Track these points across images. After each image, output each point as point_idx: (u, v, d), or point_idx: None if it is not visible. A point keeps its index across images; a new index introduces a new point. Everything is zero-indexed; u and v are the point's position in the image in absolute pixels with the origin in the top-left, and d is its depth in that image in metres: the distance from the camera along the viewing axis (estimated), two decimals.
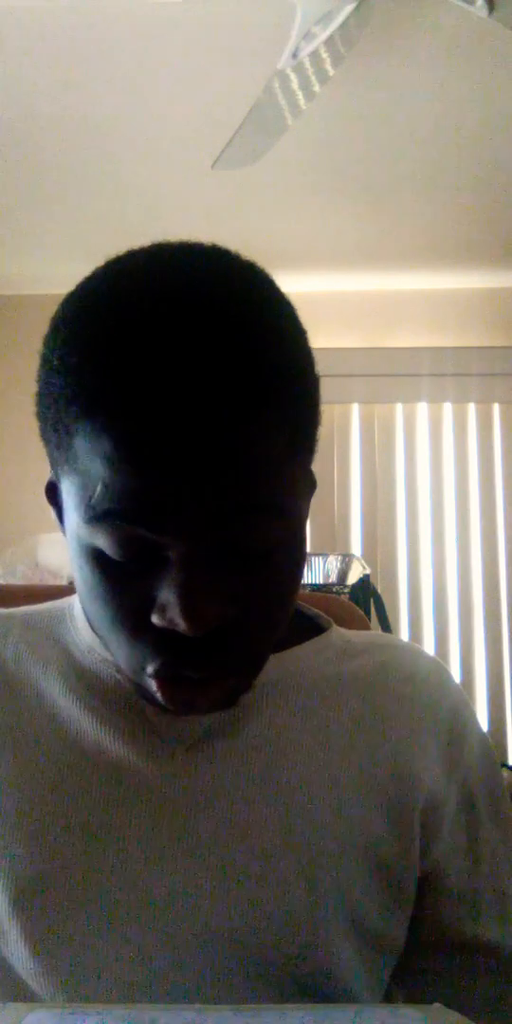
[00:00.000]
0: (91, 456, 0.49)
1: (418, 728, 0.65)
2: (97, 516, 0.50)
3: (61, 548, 2.62)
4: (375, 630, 1.36)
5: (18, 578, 2.56)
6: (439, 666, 0.71)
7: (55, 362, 0.52)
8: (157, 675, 0.52)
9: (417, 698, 0.66)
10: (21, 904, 0.56)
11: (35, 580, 2.58)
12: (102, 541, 0.51)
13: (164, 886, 0.56)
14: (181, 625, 0.49)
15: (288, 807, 0.59)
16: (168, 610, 0.49)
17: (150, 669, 0.52)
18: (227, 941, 0.56)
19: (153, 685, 0.53)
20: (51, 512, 0.60)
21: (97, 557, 0.52)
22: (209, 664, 0.51)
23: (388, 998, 0.66)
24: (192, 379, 0.48)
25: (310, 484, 0.61)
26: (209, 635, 0.50)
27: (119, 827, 0.57)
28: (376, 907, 0.60)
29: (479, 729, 0.70)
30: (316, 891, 0.58)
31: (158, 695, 0.53)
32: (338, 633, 0.69)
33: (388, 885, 0.61)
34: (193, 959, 0.56)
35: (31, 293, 3.26)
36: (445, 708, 0.67)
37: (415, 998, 0.66)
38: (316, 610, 0.71)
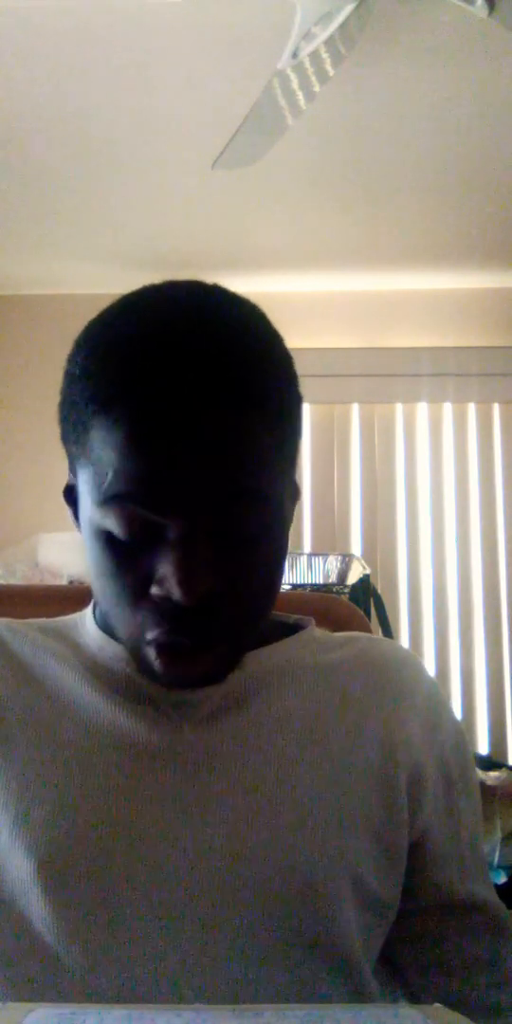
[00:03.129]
0: (104, 446, 0.58)
1: (399, 707, 0.70)
2: (107, 499, 0.58)
3: (61, 548, 2.62)
4: (375, 630, 1.37)
5: (18, 578, 2.56)
6: (413, 655, 0.79)
7: (77, 371, 0.62)
8: (155, 642, 0.59)
9: (396, 681, 0.72)
10: (45, 866, 0.60)
11: (35, 580, 2.58)
12: (111, 522, 0.59)
13: (175, 845, 0.61)
14: (176, 594, 0.56)
15: (289, 774, 0.64)
16: (165, 582, 0.57)
17: (149, 636, 0.59)
18: (234, 893, 0.60)
19: (152, 654, 0.60)
20: (68, 512, 0.68)
21: (106, 538, 0.60)
22: (199, 632, 0.59)
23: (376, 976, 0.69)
24: (192, 382, 0.57)
25: (294, 491, 0.69)
26: (201, 606, 0.57)
27: (133, 793, 0.62)
28: (373, 867, 0.65)
29: (451, 711, 0.77)
30: (318, 848, 0.62)
31: (156, 663, 0.60)
32: (318, 631, 0.76)
33: (382, 848, 0.66)
34: (203, 911, 0.60)
35: (31, 293, 3.26)
36: (422, 689, 0.73)
37: (417, 962, 0.71)
38: (296, 616, 0.77)
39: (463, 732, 0.77)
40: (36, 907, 0.60)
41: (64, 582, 2.56)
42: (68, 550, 2.60)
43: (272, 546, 0.63)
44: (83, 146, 2.35)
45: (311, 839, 0.62)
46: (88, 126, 2.25)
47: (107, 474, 0.58)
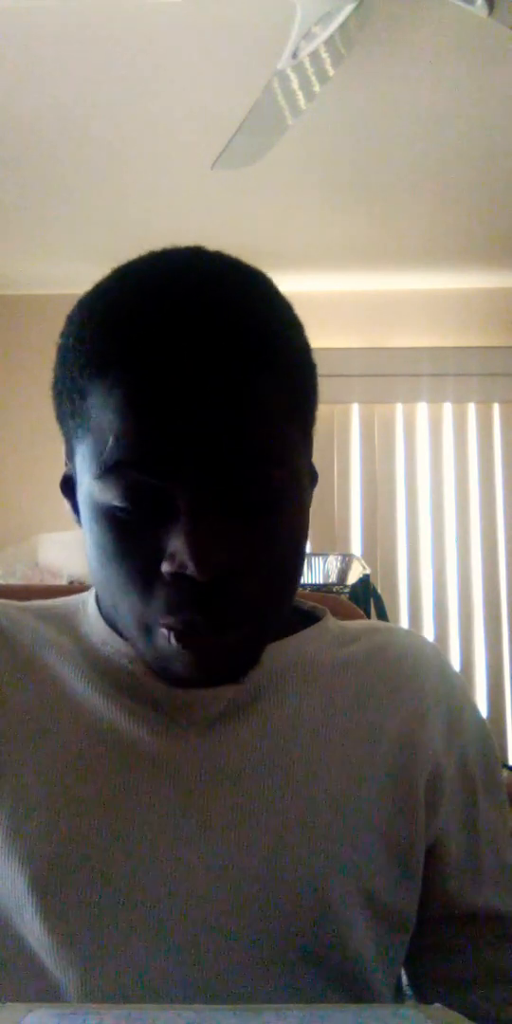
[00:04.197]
0: (103, 411, 0.54)
1: (419, 701, 0.66)
2: (109, 468, 0.53)
3: (61, 548, 2.62)
4: None
5: (18, 578, 2.56)
6: (433, 645, 0.74)
7: (71, 341, 0.57)
8: (169, 626, 0.54)
9: (416, 674, 0.68)
10: (39, 882, 0.57)
11: (35, 580, 2.58)
12: (114, 495, 0.54)
13: (178, 862, 0.57)
14: (190, 567, 0.51)
15: (299, 786, 0.60)
16: (178, 556, 0.52)
17: (162, 621, 0.54)
18: (241, 914, 0.57)
19: (166, 641, 0.55)
20: (65, 504, 0.64)
21: (109, 515, 0.55)
22: (217, 611, 0.54)
23: (400, 989, 0.67)
24: (197, 337, 0.53)
25: (312, 474, 0.65)
26: (217, 583, 0.52)
27: (133, 806, 0.58)
28: (387, 881, 0.61)
29: (475, 706, 0.72)
30: (329, 865, 0.59)
31: (171, 651, 0.55)
32: (333, 621, 0.71)
33: (397, 859, 0.62)
34: (207, 933, 0.56)
35: (31, 293, 3.26)
36: (443, 683, 0.69)
37: (428, 974, 0.67)
38: (311, 603, 0.73)
39: (488, 731, 0.72)
40: (30, 924, 0.57)
41: (64, 582, 2.56)
42: (68, 550, 2.60)
43: (291, 518, 0.58)
44: (83, 146, 2.35)
45: (322, 855, 0.58)
46: (88, 126, 2.25)
47: (107, 441, 0.53)
